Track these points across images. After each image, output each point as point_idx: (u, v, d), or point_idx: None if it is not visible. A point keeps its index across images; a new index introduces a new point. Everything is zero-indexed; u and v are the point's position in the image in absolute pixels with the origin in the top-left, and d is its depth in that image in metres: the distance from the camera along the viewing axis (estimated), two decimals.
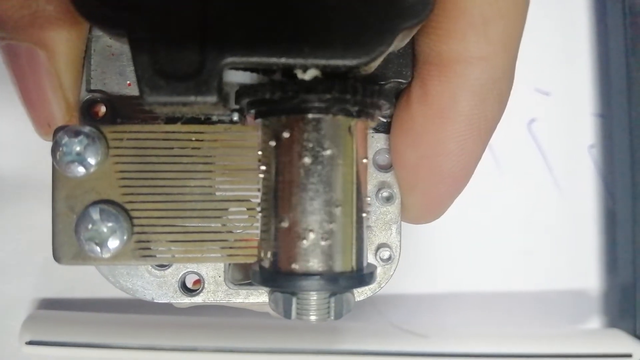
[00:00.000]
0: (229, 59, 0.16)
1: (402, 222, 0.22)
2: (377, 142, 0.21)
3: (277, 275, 0.17)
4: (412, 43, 0.20)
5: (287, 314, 0.18)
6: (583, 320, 0.35)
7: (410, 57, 0.20)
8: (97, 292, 0.19)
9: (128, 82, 0.21)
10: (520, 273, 0.35)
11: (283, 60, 0.16)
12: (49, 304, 0.33)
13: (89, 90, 0.21)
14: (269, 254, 0.18)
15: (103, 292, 0.19)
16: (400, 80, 0.20)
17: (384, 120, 0.21)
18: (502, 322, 0.35)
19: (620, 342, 0.32)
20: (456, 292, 0.35)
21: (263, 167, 0.18)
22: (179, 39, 0.16)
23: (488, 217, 0.36)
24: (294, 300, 0.18)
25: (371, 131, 0.21)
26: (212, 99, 0.16)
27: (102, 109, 0.21)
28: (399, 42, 0.18)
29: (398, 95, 0.20)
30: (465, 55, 0.18)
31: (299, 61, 0.16)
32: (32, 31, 0.19)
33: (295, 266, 0.17)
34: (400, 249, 0.21)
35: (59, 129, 0.18)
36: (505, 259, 0.35)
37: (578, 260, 0.35)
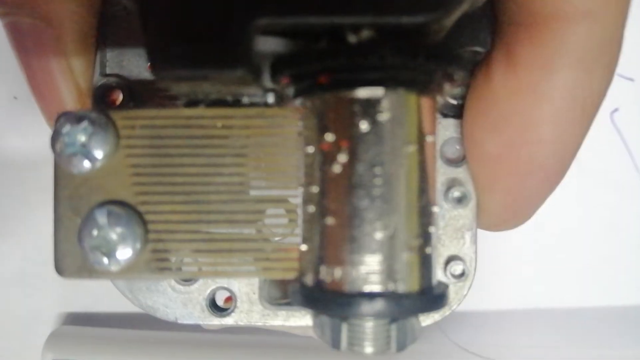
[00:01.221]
0: (261, 20, 0.13)
1: (477, 229, 0.17)
2: (446, 129, 0.17)
3: (323, 295, 0.14)
4: (493, 1, 0.16)
5: (335, 344, 0.14)
6: None
7: (489, 19, 0.16)
8: (126, 306, 0.17)
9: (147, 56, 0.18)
10: (600, 287, 0.32)
11: (329, 19, 0.13)
12: (75, 319, 0.31)
13: (104, 75, 0.18)
14: (312, 268, 0.14)
15: (132, 305, 0.17)
16: (476, 48, 0.16)
17: (454, 101, 0.17)
18: (579, 343, 0.31)
19: None
20: (526, 309, 0.32)
21: (306, 160, 0.15)
22: None
23: (564, 223, 0.32)
24: (345, 327, 0.14)
25: (439, 116, 0.17)
26: (240, 71, 0.13)
27: (120, 96, 0.18)
28: None
29: (473, 69, 0.16)
30: (565, 11, 0.14)
31: (350, 19, 0.13)
32: (36, 4, 0.16)
33: (346, 284, 0.14)
34: (475, 263, 0.17)
35: (60, 115, 0.15)
36: (583, 271, 0.32)
37: None
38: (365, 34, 0.13)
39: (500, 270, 0.32)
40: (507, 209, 0.17)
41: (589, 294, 0.31)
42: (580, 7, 0.14)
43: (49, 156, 0.15)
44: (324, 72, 0.13)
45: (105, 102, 0.18)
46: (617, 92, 0.33)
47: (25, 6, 0.16)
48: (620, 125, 0.33)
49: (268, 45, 0.14)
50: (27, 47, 0.17)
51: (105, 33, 0.18)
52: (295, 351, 0.28)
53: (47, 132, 0.17)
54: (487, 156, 0.16)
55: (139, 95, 0.18)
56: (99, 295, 0.31)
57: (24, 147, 0.31)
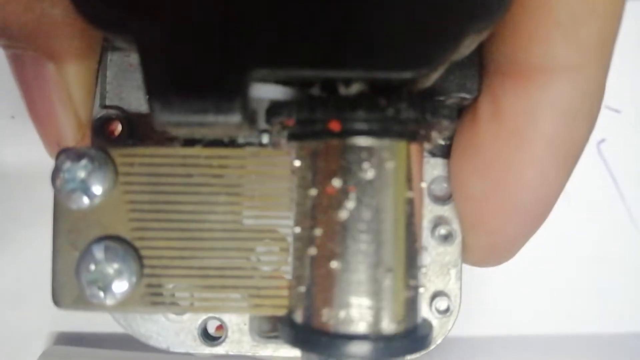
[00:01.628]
0: (256, 71, 0.13)
1: (462, 265, 0.18)
2: (434, 168, 0.18)
3: (310, 334, 0.14)
4: (480, 49, 0.16)
5: None
6: None
7: (477, 67, 0.17)
8: (118, 327, 0.17)
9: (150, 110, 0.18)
10: (589, 314, 0.32)
11: (320, 72, 0.13)
12: (67, 339, 0.31)
13: (104, 106, 0.18)
14: (301, 307, 0.15)
15: None
16: (464, 95, 0.17)
17: (442, 142, 0.18)
18: None
19: None
20: (516, 335, 0.32)
21: (297, 200, 0.15)
22: (196, 46, 0.13)
23: (553, 251, 0.33)
24: None
25: (427, 155, 0.18)
26: (236, 118, 0.13)
27: (119, 127, 0.19)
28: (465, 49, 0.15)
29: (460, 113, 0.17)
30: (550, 64, 0.14)
31: (341, 73, 0.13)
32: (38, 38, 0.16)
33: (333, 325, 0.14)
34: (460, 299, 0.18)
35: (61, 152, 0.15)
36: (572, 298, 0.32)
37: None
38: (355, 86, 0.14)
39: (490, 296, 0.32)
40: (491, 248, 0.17)
41: (577, 321, 0.32)
42: (563, 61, 0.15)
43: (45, 175, 0.15)
44: (314, 121, 0.14)
45: (104, 133, 0.18)
46: (603, 123, 0.33)
47: (28, 41, 0.16)
48: (606, 156, 0.33)
49: (264, 92, 0.14)
50: (28, 78, 0.17)
51: (105, 66, 0.18)
52: None
53: (44, 151, 0.17)
54: (472, 197, 0.17)
55: (137, 127, 0.18)
56: (91, 316, 0.30)
57: (21, 165, 0.31)
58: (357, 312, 0.14)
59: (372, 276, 0.14)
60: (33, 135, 0.18)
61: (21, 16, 0.16)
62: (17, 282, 0.31)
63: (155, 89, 0.13)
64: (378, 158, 0.14)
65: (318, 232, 0.14)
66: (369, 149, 0.14)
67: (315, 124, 0.14)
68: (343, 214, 0.14)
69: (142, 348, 0.18)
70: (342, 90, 0.14)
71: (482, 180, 0.16)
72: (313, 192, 0.14)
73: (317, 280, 0.14)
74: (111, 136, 0.19)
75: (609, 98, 0.35)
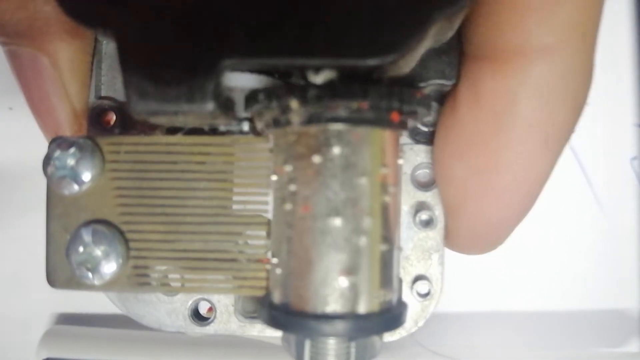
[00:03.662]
0: (227, 60, 0.14)
1: (445, 251, 0.18)
2: (417, 155, 0.18)
3: (287, 315, 0.15)
4: (458, 35, 0.16)
5: (299, 359, 0.15)
6: (622, 343, 0.32)
7: (456, 53, 0.17)
8: (116, 308, 0.18)
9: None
10: (557, 292, 0.33)
11: (288, 60, 0.13)
12: (68, 319, 0.32)
13: (99, 97, 0.19)
14: (279, 288, 0.15)
15: None
16: (443, 81, 0.17)
17: (425, 129, 0.18)
18: (537, 344, 0.33)
19: None
20: (490, 312, 0.33)
21: (274, 185, 0.16)
22: (170, 38, 0.14)
23: (524, 234, 0.33)
24: (308, 343, 0.15)
25: (410, 142, 0.18)
26: (208, 106, 0.14)
27: (113, 118, 0.19)
28: (438, 35, 0.15)
29: (441, 100, 0.17)
30: (526, 47, 0.14)
31: (309, 61, 0.13)
32: (32, 35, 0.17)
33: (308, 305, 0.15)
34: (442, 283, 0.18)
35: (52, 141, 0.16)
36: (542, 277, 0.33)
37: (619, 280, 0.32)
38: (326, 74, 0.14)
39: (465, 275, 0.32)
40: (474, 234, 0.17)
41: (546, 299, 0.32)
42: (539, 43, 0.15)
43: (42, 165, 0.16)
44: (286, 108, 0.14)
45: (100, 124, 0.19)
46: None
47: (22, 37, 0.17)
48: (575, 146, 0.33)
49: (243, 81, 0.15)
50: (25, 73, 0.18)
51: (100, 59, 0.19)
52: (273, 350, 0.28)
53: (41, 142, 0.18)
54: (454, 182, 0.17)
55: (130, 117, 0.19)
56: (90, 297, 0.30)
57: (19, 156, 0.32)
58: (327, 291, 0.14)
59: (347, 254, 0.14)
60: (31, 126, 0.19)
61: (15, 14, 0.17)
62: (19, 267, 0.32)
63: (131, 79, 0.14)
64: (333, 144, 0.14)
65: (290, 211, 0.15)
66: (324, 135, 0.14)
67: (283, 111, 0.14)
68: (302, 197, 0.14)
69: (138, 327, 0.19)
70: (312, 78, 0.14)
71: (463, 164, 0.16)
72: (274, 177, 0.15)
73: (291, 261, 0.15)
74: (107, 126, 0.19)
75: None
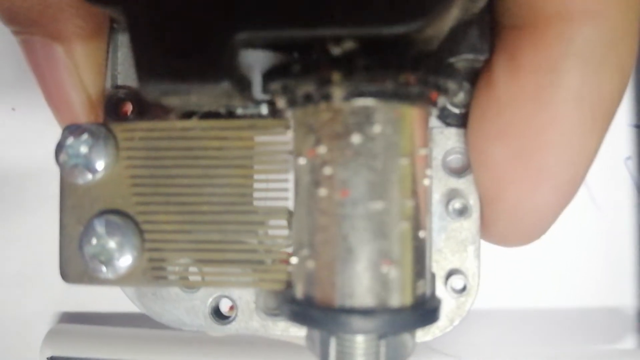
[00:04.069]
0: (241, 33, 0.13)
1: (481, 243, 0.17)
2: (448, 139, 0.17)
3: (311, 309, 0.14)
4: (489, 4, 0.15)
5: (324, 358, 0.14)
6: (618, 339, 0.33)
7: (488, 25, 0.15)
8: (122, 306, 0.18)
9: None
10: (554, 290, 0.33)
11: (307, 31, 0.12)
12: (71, 318, 0.32)
13: (115, 87, 0.19)
14: (302, 281, 0.14)
15: (128, 305, 0.18)
16: (474, 56, 0.16)
17: (456, 110, 0.17)
18: (535, 341, 0.33)
19: None
20: (488, 309, 0.33)
21: (296, 171, 0.14)
22: (181, 13, 0.13)
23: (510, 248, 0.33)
24: (334, 341, 0.14)
25: (441, 125, 0.17)
26: (222, 83, 0.13)
27: (130, 108, 0.19)
28: (468, 2, 0.14)
29: (472, 77, 0.16)
30: (570, 10, 0.13)
31: (328, 31, 0.12)
32: (45, 22, 0.17)
33: (334, 299, 0.13)
34: (479, 278, 0.17)
35: (65, 129, 0.16)
36: (539, 275, 0.33)
37: (614, 277, 0.33)
38: (348, 45, 0.13)
39: None
40: (516, 223, 0.16)
41: (542, 297, 0.33)
42: (584, 6, 0.13)
43: (46, 165, 0.16)
44: (306, 85, 0.13)
45: (117, 114, 0.19)
46: None
47: (35, 25, 0.17)
48: None
49: (251, 58, 0.14)
50: (39, 62, 0.18)
51: (116, 47, 0.18)
52: (294, 349, 0.28)
53: (44, 142, 0.18)
54: (493, 165, 0.16)
55: (146, 107, 0.18)
56: (94, 296, 0.31)
57: (22, 156, 0.32)
58: (355, 284, 0.13)
59: (389, 241, 0.13)
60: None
61: (27, 1, 0.16)
62: (23, 266, 0.32)
63: (142, 58, 0.13)
64: (375, 121, 0.13)
65: (326, 197, 0.13)
66: (365, 112, 0.13)
67: (321, 84, 0.13)
68: (339, 181, 0.13)
69: (142, 325, 0.18)
70: (333, 50, 0.13)
71: (503, 146, 0.15)
72: (301, 160, 0.14)
73: (317, 251, 0.14)
74: (124, 116, 0.19)
75: None
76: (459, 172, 0.17)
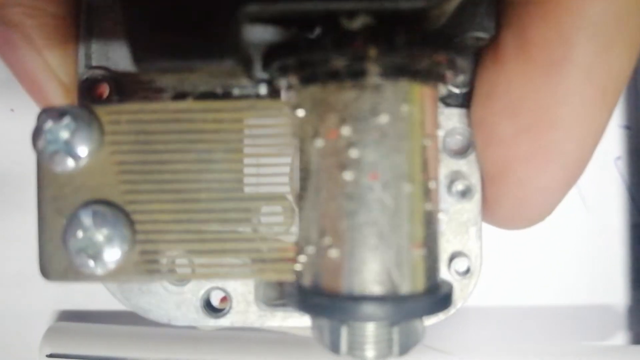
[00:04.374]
0: (249, 7, 0.12)
1: (483, 224, 0.17)
2: (449, 119, 0.16)
3: (321, 298, 0.13)
4: None
5: (334, 348, 0.14)
6: (608, 336, 0.34)
7: (492, 3, 0.15)
8: (119, 304, 0.17)
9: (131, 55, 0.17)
10: (545, 287, 0.34)
11: (322, 4, 0.12)
12: (70, 316, 0.32)
13: (90, 67, 0.17)
14: (309, 269, 0.13)
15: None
16: (480, 34, 0.15)
17: (457, 90, 0.16)
18: (526, 338, 0.34)
19: None
20: (480, 307, 0.34)
21: (299, 155, 0.14)
22: None
23: (512, 232, 0.34)
24: (345, 330, 0.13)
25: (441, 105, 0.17)
26: (228, 62, 0.12)
27: (107, 90, 0.17)
28: None
29: (478, 54, 0.15)
30: None
31: (345, 5, 0.12)
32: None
33: (345, 286, 0.13)
34: (481, 259, 0.16)
35: (42, 111, 0.14)
36: (530, 273, 0.34)
37: (604, 275, 0.34)
38: (361, 20, 0.12)
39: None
40: (520, 203, 0.16)
41: (534, 294, 0.33)
42: None
43: None
44: (338, 60, 0.12)
45: (92, 96, 0.17)
46: None
47: None
48: None
49: (257, 34, 0.13)
50: (5, 53, 0.17)
51: (88, 24, 0.17)
52: (291, 346, 0.27)
53: None
54: (500, 141, 0.15)
55: (125, 88, 0.17)
56: (93, 294, 0.32)
57: (21, 157, 0.32)
58: (367, 270, 0.13)
59: (419, 225, 0.13)
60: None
61: None
62: (22, 265, 0.32)
63: (137, 32, 0.12)
64: (405, 101, 0.12)
65: (344, 181, 0.13)
66: (397, 91, 0.12)
67: (315, 66, 0.12)
68: (368, 164, 0.12)
69: (141, 323, 0.17)
70: (346, 24, 0.12)
71: (512, 122, 0.15)
72: (319, 142, 0.13)
73: (342, 239, 0.13)
74: (99, 99, 0.17)
75: None
76: (461, 152, 0.16)
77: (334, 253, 0.13)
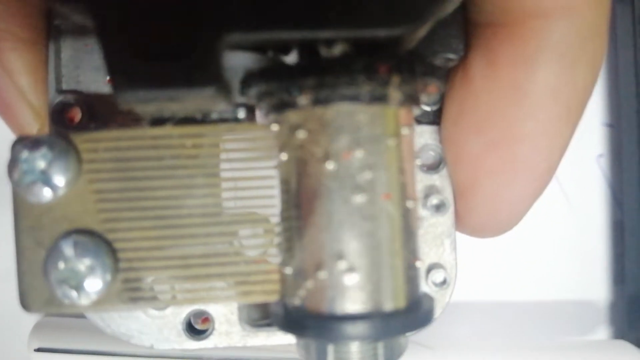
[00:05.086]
0: (230, 35, 0.12)
1: (456, 235, 0.17)
2: (421, 136, 0.17)
3: (306, 319, 0.13)
4: (464, 5, 0.15)
5: None
6: (590, 331, 0.34)
7: (462, 24, 0.16)
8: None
9: (108, 77, 0.17)
10: (527, 283, 0.34)
11: (300, 33, 0.12)
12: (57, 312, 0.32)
13: (60, 91, 0.17)
14: (294, 290, 0.14)
15: None
16: (449, 55, 0.16)
17: (428, 108, 0.17)
18: (508, 333, 0.34)
19: (627, 353, 0.31)
20: (462, 302, 0.34)
21: (281, 177, 0.14)
22: (161, 10, 0.12)
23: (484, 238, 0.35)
24: (331, 349, 0.14)
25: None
26: (210, 89, 0.12)
27: (78, 114, 0.17)
28: (451, 4, 0.14)
29: (448, 75, 0.16)
30: (545, 7, 0.14)
31: (323, 33, 0.12)
32: None
33: (331, 306, 0.13)
34: (456, 270, 0.17)
35: (16, 141, 0.14)
36: (512, 269, 0.34)
37: (586, 271, 0.34)
38: (339, 48, 0.13)
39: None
40: (490, 214, 0.16)
41: (516, 290, 0.34)
42: (559, 2, 0.14)
43: None
44: (296, 89, 0.12)
45: (63, 120, 0.17)
46: None
47: None
48: None
49: (238, 60, 0.13)
50: None
51: (59, 48, 0.17)
52: None
53: None
54: (470, 158, 0.16)
55: (98, 112, 0.17)
56: None
57: None
58: (353, 288, 0.13)
59: (415, 238, 0.14)
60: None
61: None
62: (10, 262, 0.31)
63: (117, 61, 0.12)
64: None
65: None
66: (355, 117, 0.13)
67: (295, 92, 0.13)
68: (382, 185, 0.13)
69: None
70: (324, 52, 0.12)
71: (480, 139, 0.15)
72: (331, 165, 0.13)
73: (360, 259, 0.13)
74: (71, 123, 0.17)
75: None
76: (434, 167, 0.17)
77: (351, 277, 0.13)
